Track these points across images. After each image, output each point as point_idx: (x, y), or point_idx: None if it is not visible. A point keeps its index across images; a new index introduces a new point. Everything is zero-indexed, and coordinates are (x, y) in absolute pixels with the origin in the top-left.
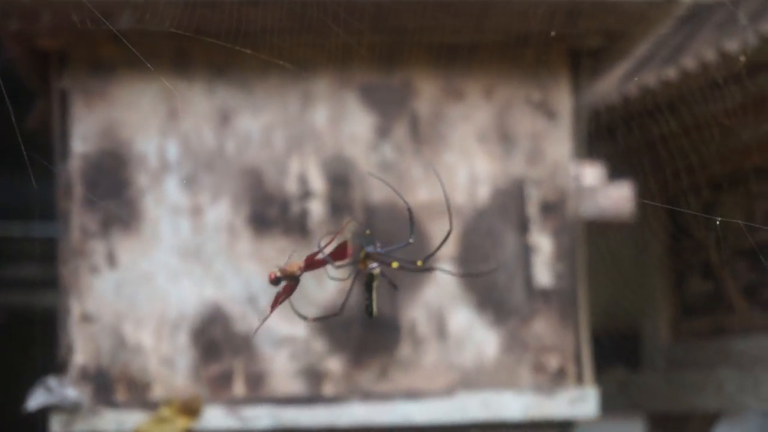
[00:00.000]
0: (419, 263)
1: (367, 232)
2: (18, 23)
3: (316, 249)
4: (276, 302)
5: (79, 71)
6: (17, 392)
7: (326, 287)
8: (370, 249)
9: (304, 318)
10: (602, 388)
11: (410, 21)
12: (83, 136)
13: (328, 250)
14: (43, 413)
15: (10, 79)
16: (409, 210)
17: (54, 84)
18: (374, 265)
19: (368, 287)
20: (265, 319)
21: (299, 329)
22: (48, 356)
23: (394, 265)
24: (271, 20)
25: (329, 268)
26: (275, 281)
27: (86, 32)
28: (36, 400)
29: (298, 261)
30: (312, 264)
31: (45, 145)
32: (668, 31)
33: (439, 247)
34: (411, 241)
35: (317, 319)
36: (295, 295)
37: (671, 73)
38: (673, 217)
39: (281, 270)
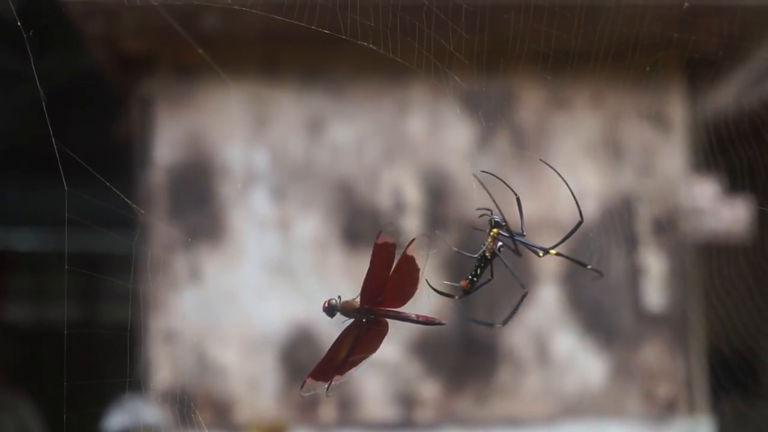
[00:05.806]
0: (552, 252)
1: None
2: (101, 25)
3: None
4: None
5: (164, 76)
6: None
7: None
8: (498, 218)
9: (451, 295)
10: (718, 418)
11: (512, 26)
12: (167, 144)
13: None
14: None
15: (96, 86)
16: (518, 199)
17: (137, 90)
18: (500, 243)
19: (485, 262)
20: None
21: (391, 351)
22: None
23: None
24: (363, 23)
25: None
26: (329, 310)
27: (172, 35)
28: (114, 421)
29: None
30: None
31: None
32: None
33: (569, 235)
34: (524, 233)
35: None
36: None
37: None
38: None
39: (343, 303)
